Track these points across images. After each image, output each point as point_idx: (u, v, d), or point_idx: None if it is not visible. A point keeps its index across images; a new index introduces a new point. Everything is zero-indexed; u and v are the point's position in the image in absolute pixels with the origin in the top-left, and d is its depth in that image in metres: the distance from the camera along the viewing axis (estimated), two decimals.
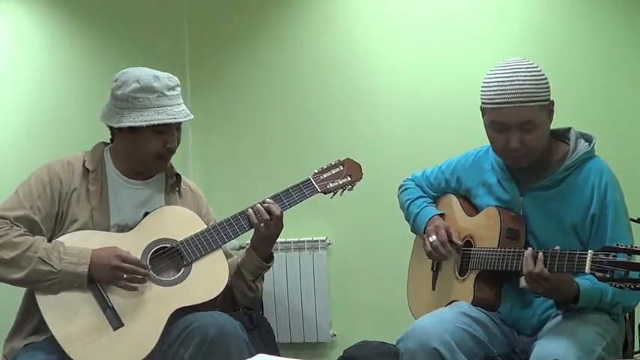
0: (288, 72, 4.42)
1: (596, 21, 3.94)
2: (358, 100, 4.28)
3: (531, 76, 2.31)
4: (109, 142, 2.60)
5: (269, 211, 2.52)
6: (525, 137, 2.33)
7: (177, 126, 2.51)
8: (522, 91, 2.29)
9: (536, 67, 2.35)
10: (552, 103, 2.38)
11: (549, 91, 2.35)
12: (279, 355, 3.16)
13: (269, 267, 2.61)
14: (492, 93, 2.34)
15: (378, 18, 4.25)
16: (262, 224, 2.52)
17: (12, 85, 4.68)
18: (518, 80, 2.30)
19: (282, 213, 2.53)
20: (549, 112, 2.38)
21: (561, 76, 3.78)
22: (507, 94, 2.30)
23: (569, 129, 2.47)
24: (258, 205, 2.53)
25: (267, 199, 2.55)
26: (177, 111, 2.47)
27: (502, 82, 2.32)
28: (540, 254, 2.21)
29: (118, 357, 2.31)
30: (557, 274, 2.19)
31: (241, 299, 2.61)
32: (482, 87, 2.38)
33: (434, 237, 2.57)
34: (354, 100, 4.28)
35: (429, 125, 4.12)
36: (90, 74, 4.60)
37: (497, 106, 2.32)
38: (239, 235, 2.54)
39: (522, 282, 2.26)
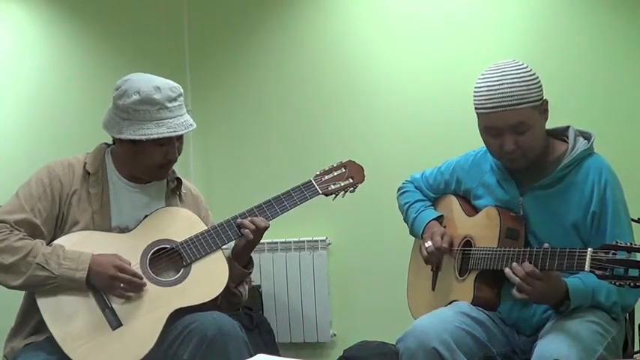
0: (288, 73, 4.42)
1: (596, 20, 3.94)
2: (358, 101, 4.28)
3: (520, 78, 2.30)
4: (111, 142, 2.59)
5: (254, 223, 2.51)
6: (519, 139, 2.33)
7: (178, 137, 2.48)
8: (511, 93, 2.29)
9: (526, 67, 2.34)
10: (546, 101, 2.37)
11: (541, 91, 2.34)
12: (279, 355, 3.16)
13: (250, 273, 2.62)
14: (483, 98, 2.33)
15: (378, 18, 4.25)
16: (249, 236, 2.51)
17: (12, 86, 4.69)
18: (507, 83, 2.29)
19: (266, 227, 2.52)
20: (543, 112, 2.37)
21: (561, 75, 3.81)
22: (496, 98, 2.30)
23: (567, 127, 2.46)
24: (241, 217, 2.53)
25: (263, 204, 2.55)
26: (178, 123, 2.44)
27: (491, 86, 2.31)
28: (527, 263, 2.21)
29: (116, 356, 2.31)
30: (548, 272, 2.19)
31: (227, 307, 2.58)
32: (474, 92, 2.38)
33: (429, 243, 2.58)
34: (354, 100, 4.29)
35: (429, 126, 4.13)
36: (90, 74, 4.61)
37: (488, 110, 2.32)
38: (239, 236, 2.54)
39: (515, 292, 2.25)
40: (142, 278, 2.38)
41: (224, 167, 4.54)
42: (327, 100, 4.34)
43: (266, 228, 2.53)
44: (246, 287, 2.67)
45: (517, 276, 2.21)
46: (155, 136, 2.40)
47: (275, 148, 4.44)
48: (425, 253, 2.59)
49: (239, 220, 2.52)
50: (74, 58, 4.68)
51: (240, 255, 2.57)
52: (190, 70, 4.52)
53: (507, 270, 2.25)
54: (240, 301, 2.63)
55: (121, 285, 2.35)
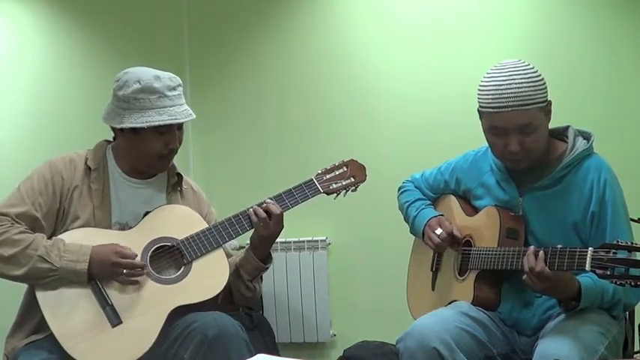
0: (288, 71, 4.42)
1: (597, 21, 3.94)
2: (358, 100, 4.28)
3: (528, 78, 2.30)
4: (111, 140, 2.61)
5: (267, 211, 2.52)
6: (524, 140, 2.33)
7: (178, 126, 2.51)
8: (520, 94, 2.29)
9: (533, 68, 2.34)
10: (550, 103, 2.37)
11: (546, 92, 2.35)
12: (279, 355, 3.16)
13: (267, 268, 2.61)
14: (490, 97, 2.33)
15: (378, 19, 4.25)
16: (261, 224, 2.52)
17: (12, 85, 4.68)
18: (516, 83, 2.29)
19: (281, 212, 2.54)
20: (547, 113, 2.37)
21: (562, 76, 3.80)
22: (505, 98, 2.29)
23: (567, 127, 2.47)
24: (257, 206, 2.53)
25: (268, 199, 2.55)
26: (179, 111, 2.47)
27: (499, 86, 2.31)
28: (541, 253, 2.20)
29: (116, 354, 2.32)
30: (557, 272, 2.18)
31: (239, 299, 2.61)
32: (479, 91, 2.38)
33: (440, 229, 2.57)
34: (354, 99, 4.29)
35: (429, 126, 4.12)
36: (90, 73, 4.61)
37: (496, 110, 2.32)
38: (240, 234, 2.54)
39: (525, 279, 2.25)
40: (143, 267, 2.39)
41: (224, 166, 4.53)
42: (327, 99, 4.33)
43: (279, 215, 2.52)
44: (261, 283, 2.66)
45: (528, 267, 2.20)
46: (157, 123, 2.42)
47: (275, 147, 4.43)
48: (437, 240, 2.57)
49: (250, 210, 2.52)
50: (74, 58, 4.67)
51: (258, 246, 2.57)
52: (190, 69, 4.51)
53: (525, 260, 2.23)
54: (254, 296, 2.63)
55: (124, 271, 2.36)
